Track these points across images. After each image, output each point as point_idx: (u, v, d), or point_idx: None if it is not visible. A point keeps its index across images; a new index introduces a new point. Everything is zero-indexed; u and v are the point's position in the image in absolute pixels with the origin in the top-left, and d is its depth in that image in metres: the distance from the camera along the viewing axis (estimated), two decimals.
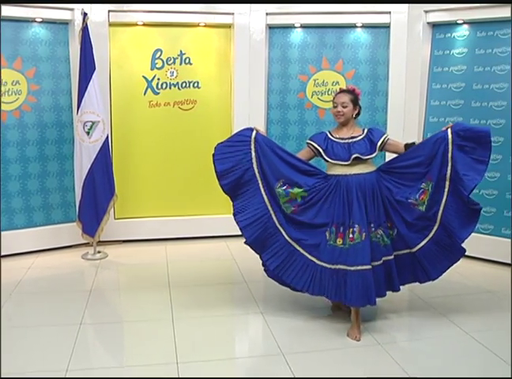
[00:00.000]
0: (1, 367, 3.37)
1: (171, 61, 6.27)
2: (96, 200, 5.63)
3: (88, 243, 5.84)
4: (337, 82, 6.26)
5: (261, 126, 6.21)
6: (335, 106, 4.11)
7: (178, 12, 6.07)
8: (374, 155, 4.02)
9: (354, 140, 4.05)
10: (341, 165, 4.01)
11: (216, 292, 4.80)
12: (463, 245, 3.99)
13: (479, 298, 4.71)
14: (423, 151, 4.00)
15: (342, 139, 4.08)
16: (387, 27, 6.06)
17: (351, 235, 3.87)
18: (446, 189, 3.92)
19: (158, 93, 6.29)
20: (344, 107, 4.07)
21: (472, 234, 5.59)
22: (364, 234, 3.85)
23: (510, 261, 5.41)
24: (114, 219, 6.16)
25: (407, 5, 5.94)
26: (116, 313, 4.55)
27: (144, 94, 6.23)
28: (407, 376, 3.36)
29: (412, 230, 4.02)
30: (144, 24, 6.17)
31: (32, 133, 5.79)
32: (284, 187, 4.02)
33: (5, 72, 5.62)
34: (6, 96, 5.65)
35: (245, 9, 6.15)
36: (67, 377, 3.34)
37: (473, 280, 5.13)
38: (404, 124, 6.04)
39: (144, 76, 6.23)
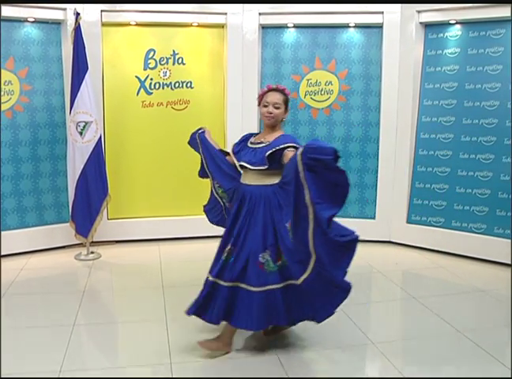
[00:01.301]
0: (1, 367, 3.36)
1: (164, 61, 6.26)
2: (89, 201, 5.62)
3: (81, 244, 5.82)
4: (330, 82, 6.27)
5: (254, 126, 6.24)
6: (265, 106, 3.68)
7: (171, 12, 6.06)
8: (264, 167, 3.54)
9: (259, 146, 3.65)
10: (243, 172, 3.75)
11: None
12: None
13: (472, 297, 4.73)
14: (287, 169, 3.42)
15: (252, 144, 3.73)
16: (380, 27, 6.07)
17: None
18: (311, 217, 3.20)
19: (151, 93, 6.28)
20: (276, 108, 3.65)
21: (465, 233, 5.67)
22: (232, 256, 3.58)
23: (503, 260, 5.44)
24: (108, 219, 6.15)
25: (399, 5, 5.95)
26: (109, 313, 4.55)
27: (137, 94, 6.22)
28: (401, 376, 3.36)
29: (293, 259, 3.42)
30: (137, 24, 6.16)
31: (24, 133, 5.76)
32: (218, 185, 4.02)
33: None
34: None
35: (238, 9, 6.15)
36: (66, 377, 3.33)
37: (466, 279, 5.14)
38: (397, 124, 6.05)
39: (137, 77, 6.22)
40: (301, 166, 3.17)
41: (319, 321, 3.58)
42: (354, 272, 5.24)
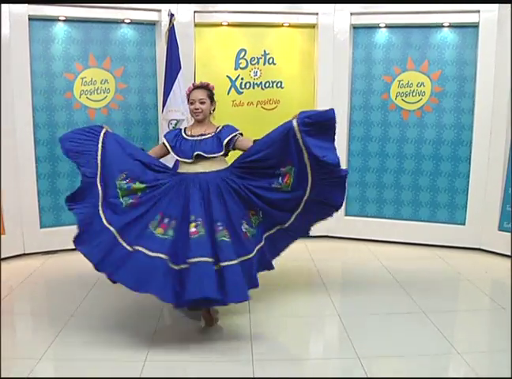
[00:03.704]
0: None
1: (255, 61, 6.33)
2: None
3: None
4: (422, 83, 6.13)
5: (344, 127, 6.20)
6: (192, 103, 4.09)
7: (263, 12, 6.12)
8: (220, 153, 4.00)
9: (203, 137, 4.03)
10: (187, 163, 4.00)
11: (294, 293, 4.79)
12: None
13: None
14: (269, 144, 3.94)
15: (192, 136, 4.06)
16: (475, 26, 5.86)
17: (193, 229, 3.71)
18: (309, 172, 3.86)
19: (241, 93, 6.36)
20: (201, 104, 4.07)
21: None
22: (202, 230, 3.72)
23: None
24: None
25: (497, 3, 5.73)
26: None
27: (228, 93, 6.30)
28: None
29: (279, 209, 4.01)
30: (228, 25, 6.25)
31: (118, 130, 5.90)
32: (126, 181, 3.92)
33: (94, 71, 5.88)
34: (95, 94, 5.87)
35: (329, 9, 6.13)
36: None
37: None
38: (492, 127, 5.83)
39: (228, 76, 6.31)
40: (299, 134, 3.79)
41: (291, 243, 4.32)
42: (441, 279, 5.20)
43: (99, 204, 3.90)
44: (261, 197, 3.96)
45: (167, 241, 3.75)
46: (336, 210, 4.17)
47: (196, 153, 3.95)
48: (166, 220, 3.82)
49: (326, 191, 3.95)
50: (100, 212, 3.88)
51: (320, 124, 3.79)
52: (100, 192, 3.92)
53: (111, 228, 3.82)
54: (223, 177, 3.97)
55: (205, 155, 3.97)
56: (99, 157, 3.96)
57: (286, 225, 4.09)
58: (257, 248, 3.92)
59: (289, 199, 3.98)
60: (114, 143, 4.04)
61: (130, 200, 3.92)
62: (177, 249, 3.70)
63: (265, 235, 4.05)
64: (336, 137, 3.88)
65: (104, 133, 4.05)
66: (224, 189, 3.93)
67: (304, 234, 4.32)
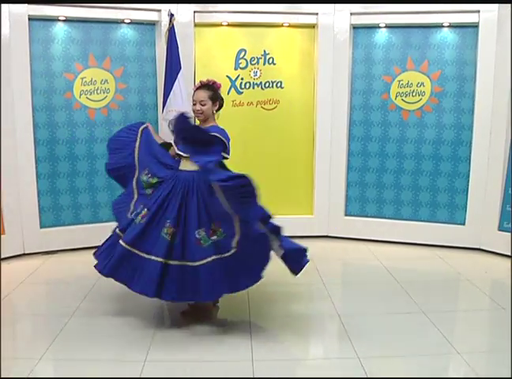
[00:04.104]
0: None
1: (255, 61, 6.32)
2: None
3: None
4: (422, 83, 6.13)
5: (343, 127, 6.21)
6: (194, 104, 4.14)
7: (263, 12, 6.11)
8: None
9: None
10: (180, 160, 4.13)
11: (294, 293, 4.79)
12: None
13: None
14: None
15: None
16: (475, 26, 5.86)
17: (139, 216, 4.01)
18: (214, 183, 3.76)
19: (241, 93, 6.35)
20: (202, 105, 4.10)
21: None
22: (141, 218, 3.96)
23: None
24: None
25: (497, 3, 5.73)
26: None
27: (228, 93, 6.29)
28: None
29: (225, 222, 3.82)
30: (228, 25, 6.25)
31: (118, 130, 5.92)
32: (148, 176, 4.17)
33: (94, 71, 5.87)
34: (95, 94, 5.87)
35: (329, 9, 6.12)
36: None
37: None
38: (492, 127, 5.83)
39: (228, 76, 6.30)
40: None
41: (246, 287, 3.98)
42: (441, 279, 5.20)
43: (135, 192, 4.27)
44: (213, 210, 3.89)
45: (128, 219, 4.09)
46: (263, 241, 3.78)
47: (177, 152, 4.12)
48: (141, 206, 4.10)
49: (234, 204, 3.72)
50: (134, 198, 4.25)
51: (181, 129, 3.87)
52: (135, 184, 4.28)
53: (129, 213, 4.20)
54: (196, 178, 3.97)
55: (183, 155, 4.07)
56: (136, 153, 4.30)
57: (233, 248, 3.80)
58: (206, 260, 3.81)
59: (223, 212, 3.79)
60: (145, 141, 4.30)
61: (150, 191, 4.18)
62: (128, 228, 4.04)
63: (219, 256, 3.83)
64: (220, 140, 3.95)
65: (142, 130, 4.34)
66: (190, 190, 3.96)
67: (254, 275, 3.89)
